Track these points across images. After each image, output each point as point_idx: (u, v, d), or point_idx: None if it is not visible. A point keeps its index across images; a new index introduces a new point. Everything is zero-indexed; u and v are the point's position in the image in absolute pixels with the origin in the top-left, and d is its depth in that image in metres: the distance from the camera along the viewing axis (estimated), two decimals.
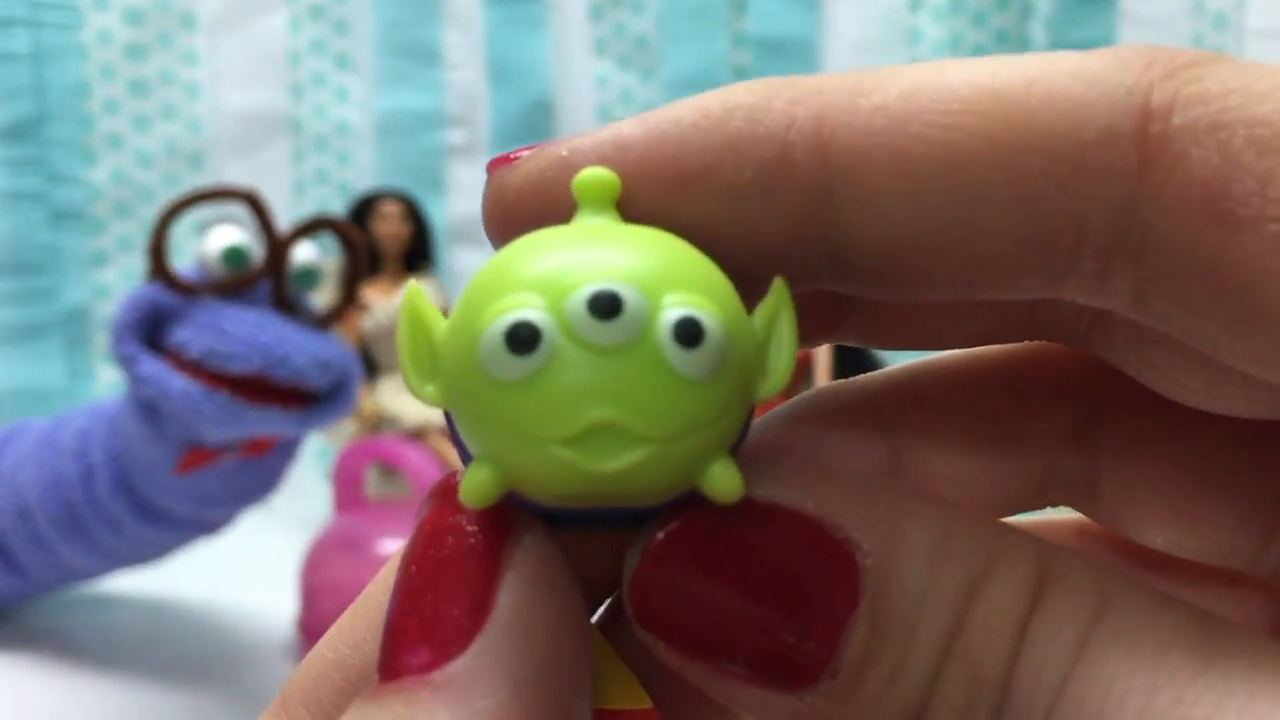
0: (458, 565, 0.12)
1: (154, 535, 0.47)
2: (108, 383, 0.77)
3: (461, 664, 0.11)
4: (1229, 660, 0.11)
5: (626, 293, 0.11)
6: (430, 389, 0.12)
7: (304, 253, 0.43)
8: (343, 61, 0.85)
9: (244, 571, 0.57)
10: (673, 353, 0.11)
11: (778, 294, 0.12)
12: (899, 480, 0.15)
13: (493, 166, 0.13)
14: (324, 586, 0.49)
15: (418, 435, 0.66)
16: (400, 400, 0.67)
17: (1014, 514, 0.17)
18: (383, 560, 0.53)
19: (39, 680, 0.47)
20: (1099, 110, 0.11)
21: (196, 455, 0.42)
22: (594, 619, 0.15)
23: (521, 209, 0.13)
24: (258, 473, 0.46)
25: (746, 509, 0.12)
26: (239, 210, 0.42)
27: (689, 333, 0.11)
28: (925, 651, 0.11)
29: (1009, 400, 0.16)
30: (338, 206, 0.81)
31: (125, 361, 0.40)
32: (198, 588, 0.56)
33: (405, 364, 0.12)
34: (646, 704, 0.13)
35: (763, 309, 0.12)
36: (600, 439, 0.11)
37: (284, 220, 0.43)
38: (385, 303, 0.70)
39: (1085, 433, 0.16)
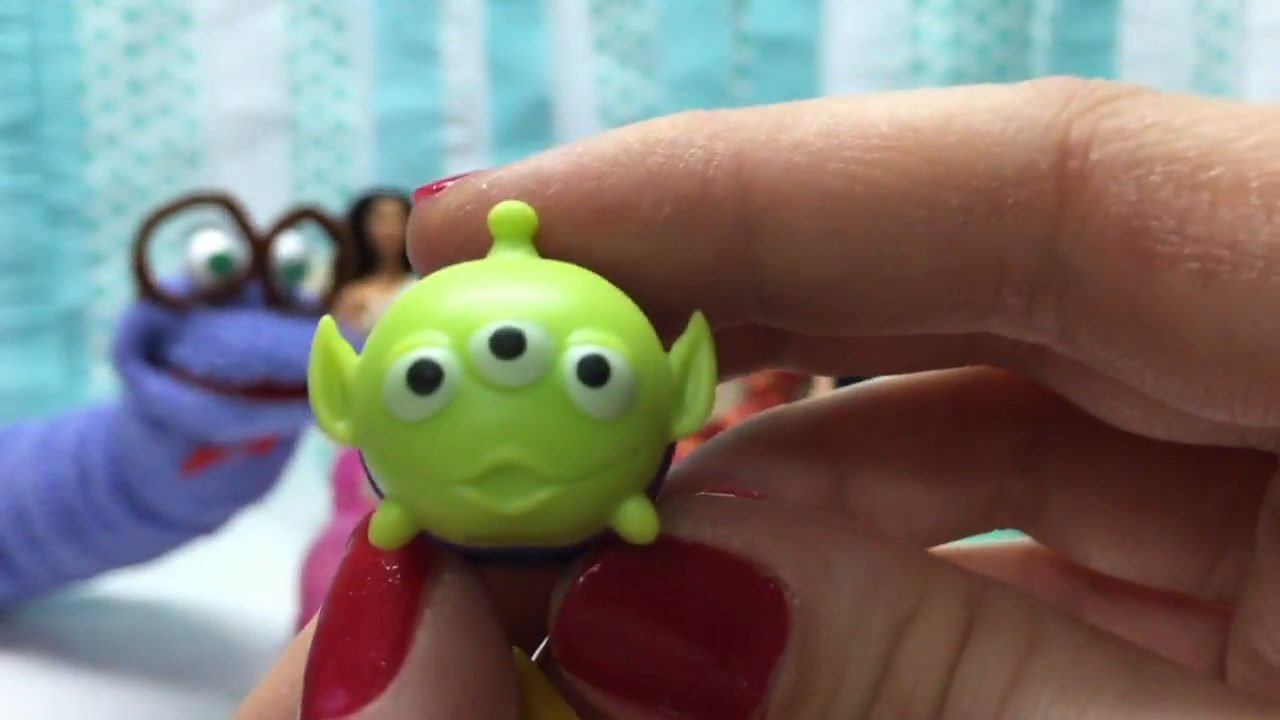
0: (376, 605, 0.11)
1: (151, 537, 0.46)
2: (104, 383, 0.77)
3: (378, 706, 0.11)
4: (1161, 702, 0.11)
5: (530, 330, 0.11)
6: (341, 426, 0.11)
7: (288, 247, 0.42)
8: (341, 59, 0.85)
9: (241, 573, 0.56)
10: (577, 392, 0.11)
11: (696, 329, 0.12)
12: (830, 514, 0.15)
13: (417, 197, 0.13)
14: (322, 588, 0.49)
15: None
16: None
17: (961, 538, 0.17)
18: None
19: (34, 682, 0.47)
20: (1017, 147, 0.11)
21: (204, 455, 0.42)
22: (535, 655, 0.14)
23: (442, 243, 0.13)
24: (256, 472, 0.45)
25: (671, 548, 0.12)
26: (214, 214, 0.42)
27: (594, 371, 0.11)
28: (854, 691, 0.11)
29: (953, 424, 0.16)
30: (336, 206, 0.81)
31: (132, 383, 0.41)
32: (195, 589, 0.55)
33: (316, 400, 0.12)
34: None
35: (680, 345, 0.12)
36: (505, 479, 0.11)
37: None
38: (385, 302, 0.70)
39: (1030, 455, 0.16)
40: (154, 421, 0.41)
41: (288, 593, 0.52)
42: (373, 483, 0.12)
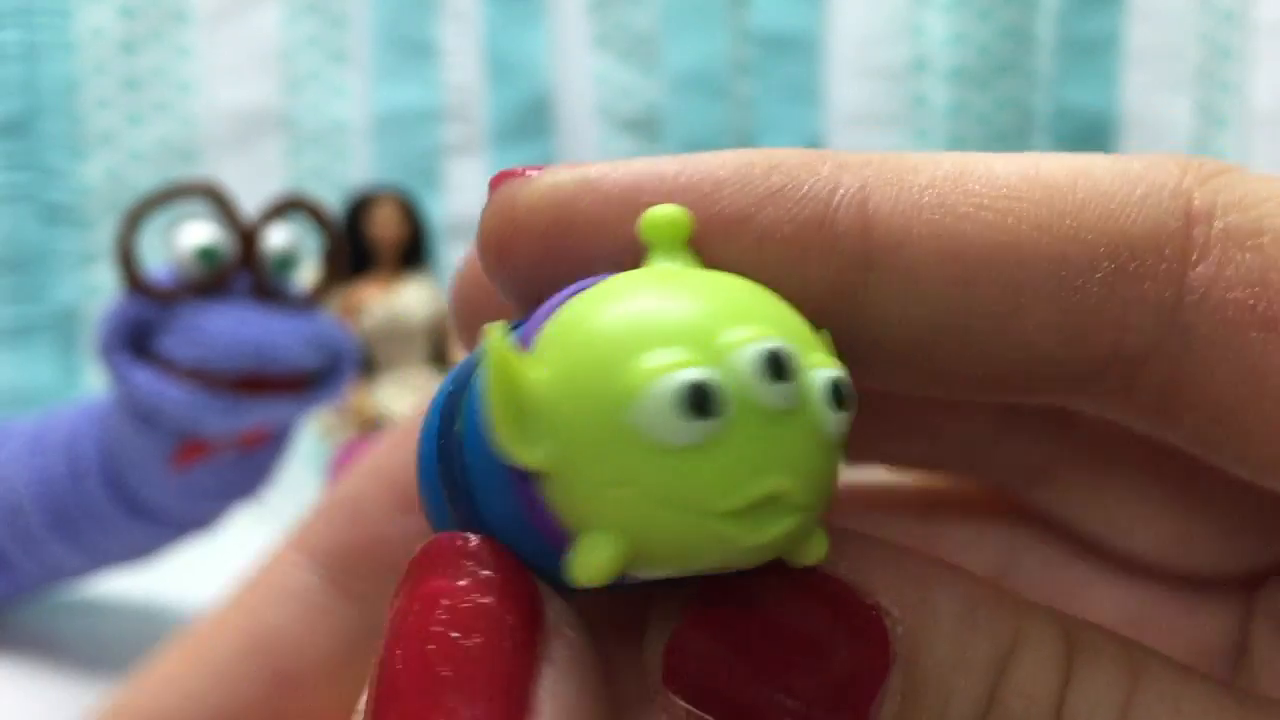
0: (491, 659, 0.10)
1: (144, 532, 0.46)
2: (99, 382, 0.77)
3: None
4: (1269, 715, 0.11)
5: (792, 352, 0.10)
6: (536, 452, 0.10)
7: (277, 238, 0.42)
8: (339, 57, 0.84)
9: (236, 573, 0.56)
10: (828, 416, 0.10)
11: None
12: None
13: (497, 180, 0.12)
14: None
15: None
16: (398, 401, 0.66)
17: None
18: None
19: (27, 684, 0.46)
20: (1145, 210, 0.11)
21: (193, 448, 0.42)
22: None
23: (530, 223, 0.12)
24: (248, 468, 0.45)
25: (779, 571, 0.11)
26: (199, 204, 0.41)
27: (840, 395, 0.10)
28: None
29: (921, 534, 0.16)
30: (334, 204, 0.81)
31: (118, 376, 0.40)
32: (189, 590, 0.55)
33: (502, 425, 0.10)
34: None
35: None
36: (764, 509, 0.10)
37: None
38: (383, 300, 0.70)
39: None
40: (142, 414, 0.41)
41: None
42: (536, 513, 0.10)
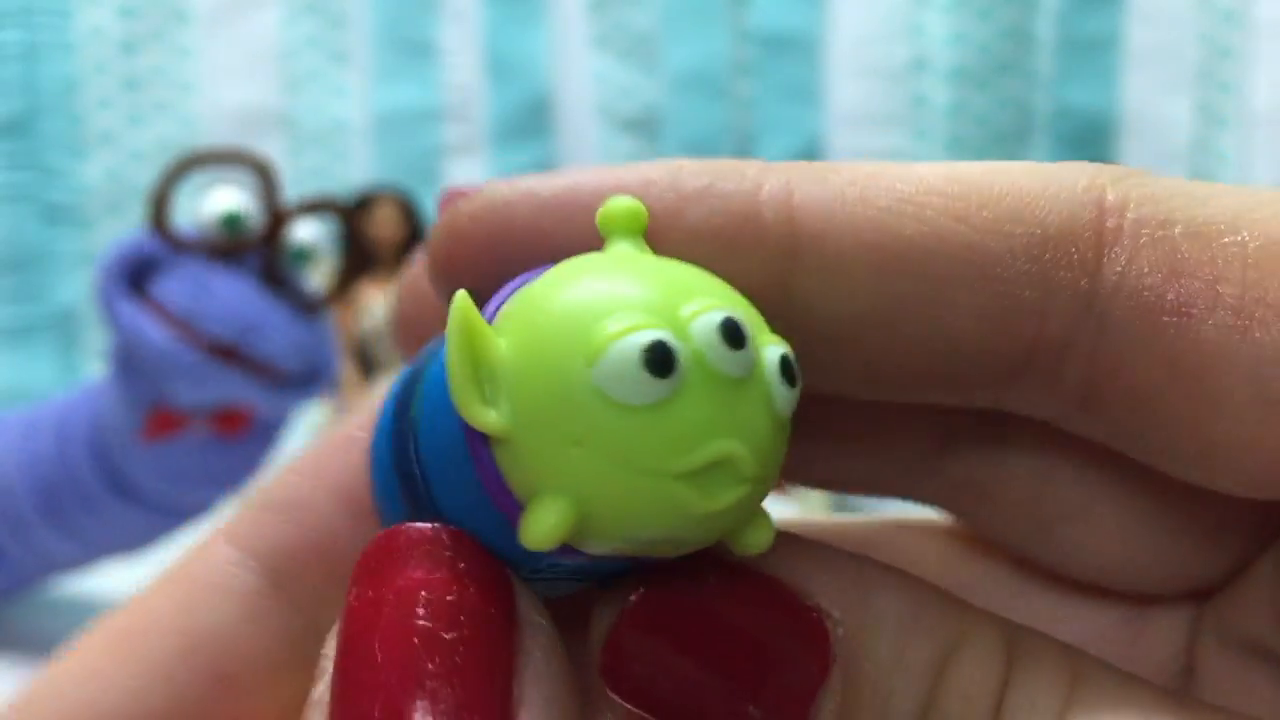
0: (476, 653, 0.10)
1: (131, 518, 0.46)
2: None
3: None
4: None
5: (745, 322, 0.10)
6: (493, 415, 0.10)
7: (306, 231, 0.42)
8: (339, 57, 0.84)
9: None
10: (778, 389, 0.11)
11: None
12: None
13: (447, 200, 0.13)
14: None
15: None
16: None
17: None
18: None
19: (20, 686, 0.46)
20: (1060, 202, 0.12)
21: (163, 418, 0.42)
22: None
23: (473, 233, 0.12)
24: (234, 455, 0.45)
25: (720, 571, 0.11)
26: (245, 174, 0.42)
27: (790, 372, 0.11)
28: None
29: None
30: None
31: (106, 304, 0.41)
32: None
33: (462, 387, 0.10)
34: None
35: None
36: (714, 475, 0.10)
37: None
38: (383, 300, 0.70)
39: None
40: (123, 370, 0.42)
41: None
42: (492, 482, 0.10)
